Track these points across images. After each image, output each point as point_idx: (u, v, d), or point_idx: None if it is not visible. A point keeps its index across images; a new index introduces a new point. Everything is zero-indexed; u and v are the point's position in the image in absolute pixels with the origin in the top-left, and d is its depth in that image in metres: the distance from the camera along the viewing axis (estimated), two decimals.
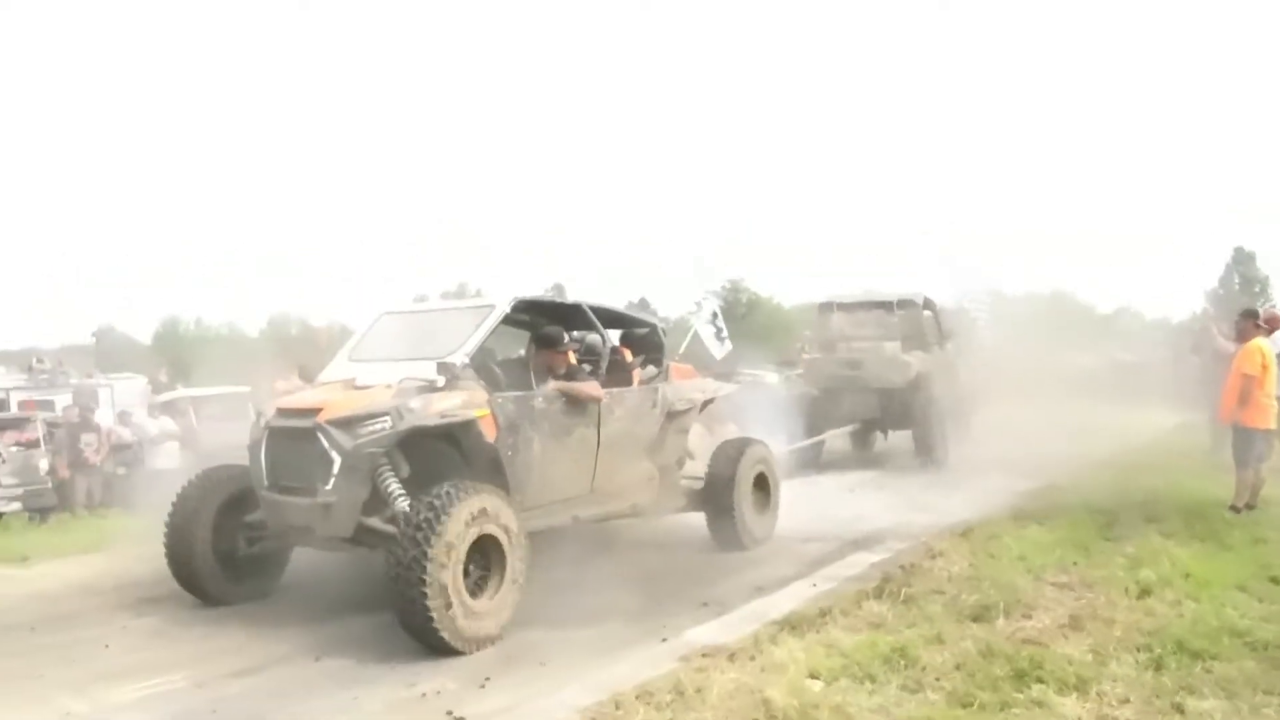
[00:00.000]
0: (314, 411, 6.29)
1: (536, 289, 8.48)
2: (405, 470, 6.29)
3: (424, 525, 5.56)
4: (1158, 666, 4.79)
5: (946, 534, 8.27)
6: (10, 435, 14.15)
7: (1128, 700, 4.39)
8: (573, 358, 7.66)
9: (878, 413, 14.92)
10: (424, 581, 5.45)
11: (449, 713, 4.66)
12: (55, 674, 5.60)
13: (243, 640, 6.14)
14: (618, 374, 7.89)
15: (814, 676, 4.74)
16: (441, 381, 6.30)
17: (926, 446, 14.30)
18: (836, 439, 15.18)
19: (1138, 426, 17.83)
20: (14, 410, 17.36)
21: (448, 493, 5.73)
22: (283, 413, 6.59)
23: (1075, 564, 6.89)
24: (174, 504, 6.96)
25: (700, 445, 9.14)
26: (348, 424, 6.10)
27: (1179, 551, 7.12)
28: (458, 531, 5.64)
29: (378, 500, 6.18)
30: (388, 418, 6.09)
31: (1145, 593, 6.05)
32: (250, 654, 5.86)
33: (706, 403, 8.86)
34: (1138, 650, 5.02)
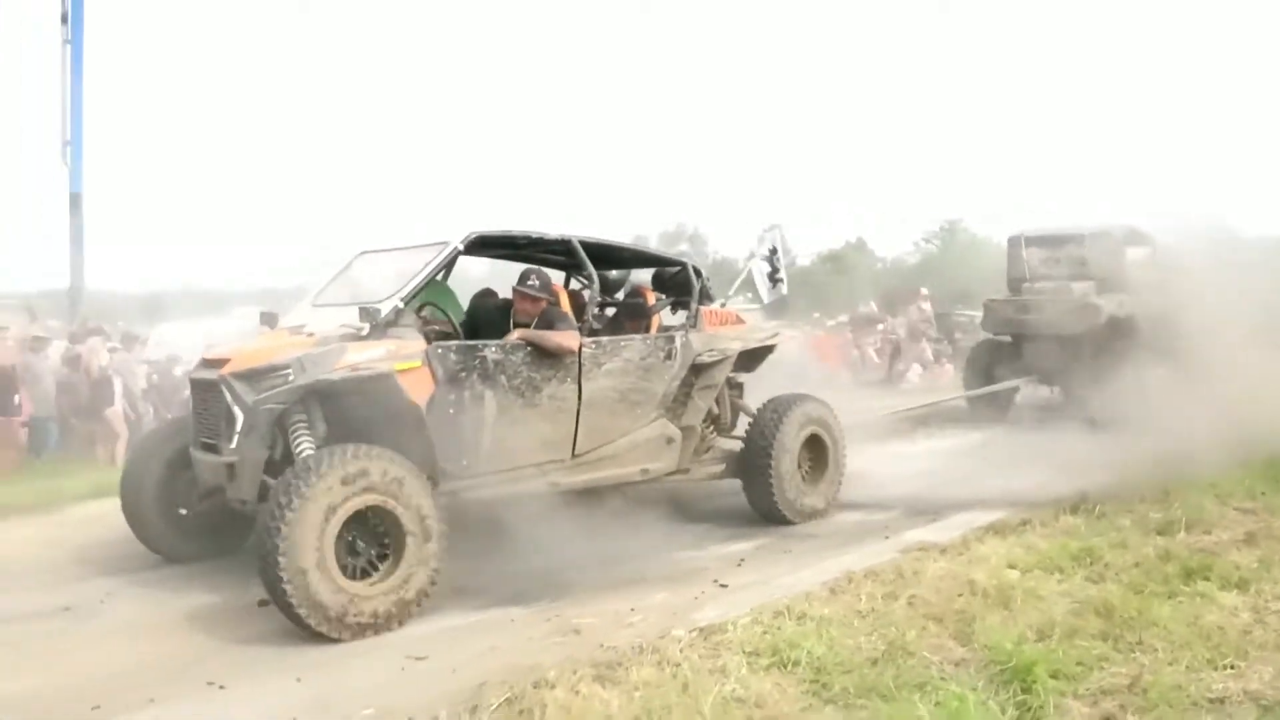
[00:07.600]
0: (223, 363, 5.76)
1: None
2: (322, 429, 5.64)
3: (290, 488, 4.91)
4: None
5: None
6: None
7: None
8: (566, 302, 6.98)
9: (1058, 363, 12.74)
10: (279, 550, 4.80)
11: (715, 580, 5.96)
12: None
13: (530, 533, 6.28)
14: (634, 319, 7.31)
15: (1012, 567, 5.81)
16: (366, 329, 5.66)
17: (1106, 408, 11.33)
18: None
19: None
20: None
21: (325, 454, 5.11)
22: (203, 363, 6.13)
23: (1263, 494, 7.50)
24: (127, 458, 6.63)
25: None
26: (251, 377, 5.55)
27: None
28: (329, 500, 4.96)
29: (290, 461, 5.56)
30: (289, 370, 5.49)
31: None
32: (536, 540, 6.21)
33: (757, 353, 7.81)
34: None
